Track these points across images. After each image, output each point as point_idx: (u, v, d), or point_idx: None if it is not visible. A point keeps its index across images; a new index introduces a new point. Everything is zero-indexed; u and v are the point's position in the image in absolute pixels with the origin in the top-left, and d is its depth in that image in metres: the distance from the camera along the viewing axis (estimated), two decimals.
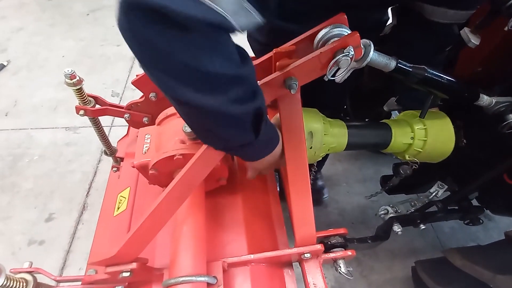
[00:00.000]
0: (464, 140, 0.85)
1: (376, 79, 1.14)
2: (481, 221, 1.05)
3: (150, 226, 0.59)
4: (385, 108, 1.08)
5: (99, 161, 1.72)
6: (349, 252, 0.79)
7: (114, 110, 1.07)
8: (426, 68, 0.67)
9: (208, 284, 0.61)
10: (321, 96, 0.86)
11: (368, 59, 0.57)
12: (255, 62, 0.66)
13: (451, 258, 0.82)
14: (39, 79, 2.24)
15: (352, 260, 1.43)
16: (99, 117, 1.07)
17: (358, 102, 1.29)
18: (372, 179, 1.70)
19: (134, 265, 0.60)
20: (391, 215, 0.95)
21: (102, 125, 1.11)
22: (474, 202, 1.06)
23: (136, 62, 2.41)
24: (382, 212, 0.97)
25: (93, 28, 2.73)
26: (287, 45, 0.61)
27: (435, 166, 1.00)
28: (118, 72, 2.23)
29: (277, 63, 0.57)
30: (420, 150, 0.78)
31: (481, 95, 0.77)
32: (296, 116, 0.62)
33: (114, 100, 1.91)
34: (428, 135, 0.77)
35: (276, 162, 0.68)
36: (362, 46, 0.55)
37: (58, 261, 1.37)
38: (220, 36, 0.38)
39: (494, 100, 0.80)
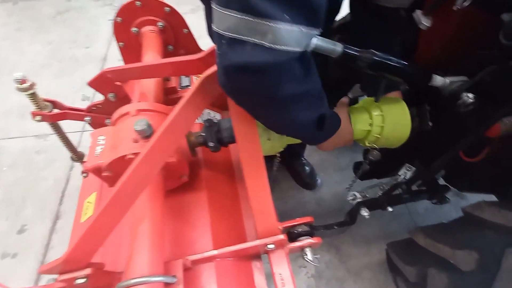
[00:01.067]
0: (430, 123, 0.86)
1: (341, 69, 1.14)
2: (447, 199, 1.08)
3: (100, 228, 0.57)
4: (350, 95, 1.08)
5: (71, 167, 1.67)
6: (314, 240, 0.79)
7: (74, 114, 1.04)
8: (374, 51, 0.67)
9: (167, 284, 0.60)
10: None
11: (312, 45, 0.56)
12: (196, 56, 0.64)
13: (416, 237, 0.83)
14: (7, 85, 2.15)
15: (330, 247, 1.46)
16: (77, 121, 1.03)
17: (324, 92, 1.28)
18: (349, 167, 1.70)
19: (88, 271, 0.59)
20: (359, 200, 0.96)
21: (76, 130, 1.08)
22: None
23: (107, 64, 2.36)
24: (351, 197, 0.99)
25: (61, 31, 2.64)
26: None
27: (403, 149, 1.02)
28: (88, 74, 2.10)
29: None
30: (378, 136, 0.79)
31: (433, 75, 0.78)
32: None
33: (85, 104, 1.85)
34: (385, 121, 0.78)
35: (340, 141, 0.76)
36: None
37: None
38: (288, 66, 0.48)
39: (448, 80, 0.81)
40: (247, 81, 0.49)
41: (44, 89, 1.04)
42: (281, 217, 1.53)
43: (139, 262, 0.59)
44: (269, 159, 0.75)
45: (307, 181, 1.57)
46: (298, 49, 0.47)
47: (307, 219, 0.82)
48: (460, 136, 0.83)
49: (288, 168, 1.66)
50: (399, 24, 0.81)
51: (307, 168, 1.60)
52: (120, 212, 0.58)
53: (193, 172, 0.90)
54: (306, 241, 0.79)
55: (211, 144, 0.75)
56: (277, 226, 0.69)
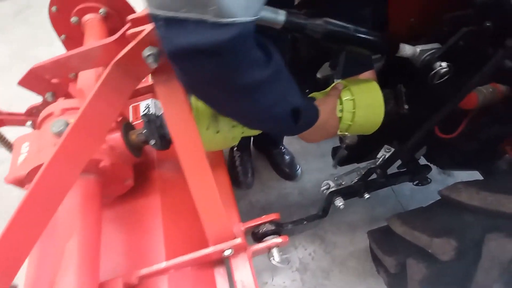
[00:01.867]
0: (406, 106, 0.79)
1: (312, 48, 1.04)
2: (429, 180, 1.02)
3: (10, 249, 0.48)
4: (318, 75, 0.99)
5: None
6: (281, 239, 0.71)
7: (13, 119, 0.93)
8: (327, 19, 0.57)
9: None
10: None
11: None
12: (111, 39, 0.53)
13: (392, 225, 0.77)
14: None
15: (315, 238, 1.40)
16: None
17: (295, 74, 1.19)
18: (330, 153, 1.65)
19: None
20: (333, 189, 0.89)
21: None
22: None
23: None
24: (324, 187, 0.91)
25: (23, 30, 2.47)
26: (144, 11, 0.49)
27: (380, 130, 0.94)
28: None
29: (128, 32, 0.45)
30: (350, 123, 0.71)
31: (401, 45, 0.69)
32: (176, 96, 0.52)
33: None
34: (357, 106, 0.70)
35: (325, 133, 0.70)
36: None
37: None
38: (243, 44, 0.39)
39: (418, 49, 0.72)
40: (199, 67, 0.41)
41: (6, 92, 0.94)
42: (264, 210, 1.48)
43: (64, 286, 0.51)
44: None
45: (287, 171, 1.50)
46: (248, 18, 0.38)
47: (272, 216, 0.75)
48: (434, 110, 0.75)
49: (267, 158, 1.58)
50: None
51: (286, 157, 1.51)
52: (33, 229, 0.49)
53: (145, 174, 0.81)
54: (272, 241, 0.71)
55: (152, 142, 0.66)
56: (230, 228, 0.61)
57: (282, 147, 1.54)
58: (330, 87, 0.73)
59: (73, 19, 1.01)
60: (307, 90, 1.14)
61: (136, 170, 0.79)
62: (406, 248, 0.74)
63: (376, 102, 0.71)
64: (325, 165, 1.60)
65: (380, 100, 0.72)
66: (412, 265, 0.70)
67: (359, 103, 0.70)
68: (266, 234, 0.73)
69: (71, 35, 1.05)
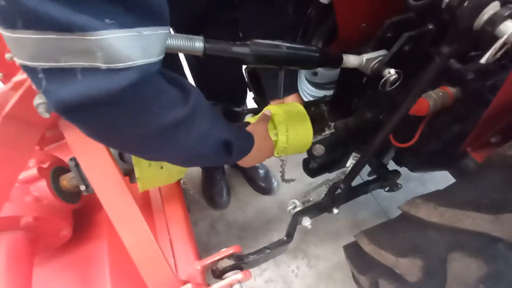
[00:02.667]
0: (331, 124, 0.85)
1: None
2: (399, 185, 0.98)
3: None
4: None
5: None
6: (242, 274, 0.65)
7: None
8: (255, 41, 0.53)
9: None
10: (212, 85, 0.89)
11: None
12: (7, 87, 0.47)
13: (361, 243, 0.72)
14: None
15: (297, 252, 1.35)
16: None
17: (256, 86, 1.15)
18: None
19: None
20: (300, 208, 0.84)
21: None
22: None
23: None
24: (291, 206, 0.86)
25: None
26: None
27: (347, 138, 0.91)
28: None
29: (14, 79, 0.39)
30: (285, 145, 0.73)
31: (344, 56, 0.65)
32: (90, 141, 0.46)
33: None
34: (289, 129, 0.72)
35: (261, 158, 0.69)
36: None
37: None
38: (148, 86, 0.34)
39: (364, 58, 0.69)
40: (98, 120, 0.34)
41: None
42: (243, 229, 1.42)
43: None
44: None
45: (263, 186, 1.44)
46: (148, 59, 0.33)
47: (232, 249, 0.69)
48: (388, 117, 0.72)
49: (242, 173, 1.53)
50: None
51: (261, 171, 1.46)
52: None
53: (90, 217, 0.74)
54: (232, 277, 0.65)
55: (82, 188, 0.59)
56: (172, 275, 0.54)
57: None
58: (260, 113, 0.75)
59: (7, 55, 0.94)
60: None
61: (80, 213, 0.72)
62: (378, 267, 0.69)
63: (305, 124, 0.75)
64: (302, 174, 1.54)
65: (308, 120, 0.76)
66: (384, 286, 0.66)
67: (291, 126, 0.73)
68: (225, 271, 0.67)
69: (8, 72, 0.97)
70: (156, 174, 0.62)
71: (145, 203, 0.83)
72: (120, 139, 0.39)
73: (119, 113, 0.34)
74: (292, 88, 0.82)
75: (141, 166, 0.59)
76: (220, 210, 1.44)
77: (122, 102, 0.33)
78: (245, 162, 0.64)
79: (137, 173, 0.58)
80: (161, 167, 0.62)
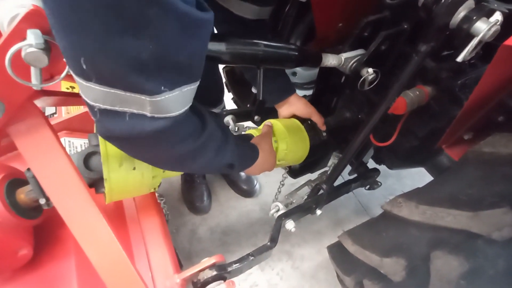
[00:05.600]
0: (324, 134, 0.87)
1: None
2: (379, 183, 1.00)
3: None
4: (253, 90, 0.92)
5: None
6: (224, 286, 0.62)
7: None
8: (230, 39, 0.50)
9: None
10: None
11: None
12: None
13: (345, 244, 0.72)
14: None
15: (281, 254, 1.34)
16: None
17: (235, 87, 1.12)
18: None
19: None
20: (283, 211, 0.82)
21: None
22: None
23: None
24: (273, 210, 0.84)
25: None
26: None
27: (328, 138, 0.91)
28: None
29: None
30: (286, 151, 0.78)
31: (324, 55, 0.64)
32: (45, 147, 0.40)
33: None
34: (288, 136, 0.78)
35: (266, 168, 0.73)
36: None
37: None
38: (179, 126, 0.43)
39: (342, 57, 0.68)
40: (134, 148, 0.45)
41: None
42: (225, 234, 1.38)
43: None
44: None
45: (245, 188, 1.42)
46: (183, 110, 0.42)
47: (214, 259, 0.65)
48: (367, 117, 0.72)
49: (223, 176, 1.49)
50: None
51: (242, 174, 1.43)
52: None
53: (56, 233, 0.67)
54: None
55: (42, 201, 0.53)
56: None
57: None
58: (261, 125, 0.82)
59: None
60: (248, 105, 1.08)
61: (42, 229, 0.65)
62: (362, 267, 0.69)
63: (302, 133, 0.83)
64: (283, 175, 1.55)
65: (303, 130, 0.83)
66: (368, 286, 0.65)
67: (290, 135, 0.79)
68: (207, 283, 0.63)
69: None
70: (127, 177, 0.56)
71: (117, 213, 0.77)
72: (145, 159, 0.50)
73: (146, 145, 0.43)
74: (288, 89, 0.82)
75: (110, 165, 0.54)
76: (201, 215, 1.40)
77: (152, 138, 0.41)
78: (249, 172, 0.69)
79: (105, 174, 0.53)
80: (134, 168, 0.57)
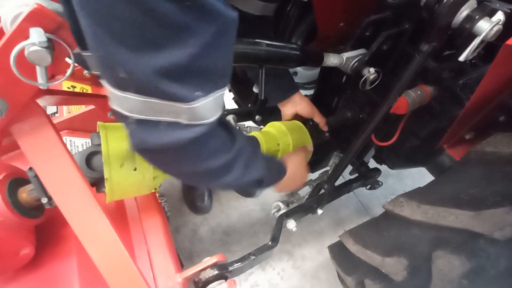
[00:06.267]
0: (327, 134, 0.88)
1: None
2: (380, 183, 1.00)
3: None
4: (254, 89, 0.92)
5: None
6: (226, 285, 0.62)
7: None
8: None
9: None
10: None
11: None
12: None
13: (346, 244, 0.72)
14: None
15: (282, 254, 1.34)
16: None
17: (236, 86, 1.12)
18: None
19: None
20: (284, 210, 0.82)
21: None
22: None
23: None
24: (275, 209, 0.84)
25: None
26: None
27: (328, 139, 0.91)
28: None
29: None
30: (289, 143, 0.79)
31: (325, 55, 0.64)
32: (48, 146, 0.41)
33: None
34: (291, 134, 0.80)
35: (295, 185, 0.75)
36: None
37: None
38: (212, 133, 0.43)
39: (344, 56, 0.68)
40: (167, 160, 0.44)
41: None
42: (226, 234, 1.38)
43: None
44: None
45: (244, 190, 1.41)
46: (217, 115, 0.42)
47: (215, 258, 0.65)
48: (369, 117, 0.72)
49: None
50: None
51: None
52: None
53: (58, 233, 0.67)
54: None
55: (44, 200, 0.53)
56: None
57: None
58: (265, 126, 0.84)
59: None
60: (249, 105, 1.08)
61: (44, 229, 0.65)
62: (363, 266, 0.69)
63: (304, 132, 0.84)
64: None
65: (305, 130, 0.84)
66: (370, 286, 0.65)
67: (293, 133, 0.80)
68: (209, 282, 0.63)
69: None
70: (127, 177, 0.57)
71: (119, 212, 0.77)
72: (177, 173, 0.50)
73: (180, 156, 0.43)
74: (292, 87, 0.81)
75: (112, 165, 0.54)
76: (202, 215, 1.40)
77: (185, 149, 0.41)
78: (279, 188, 0.70)
79: (106, 173, 0.53)
80: (135, 169, 0.57)
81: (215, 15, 0.32)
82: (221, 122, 0.45)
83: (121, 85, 0.34)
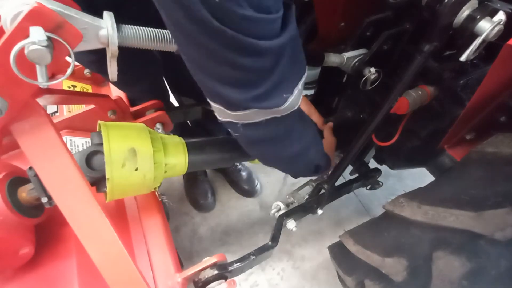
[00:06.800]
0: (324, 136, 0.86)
1: None
2: (380, 183, 0.99)
3: None
4: None
5: None
6: (226, 285, 0.62)
7: None
8: None
9: None
10: (181, 80, 0.98)
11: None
12: None
13: (346, 244, 0.72)
14: None
15: (282, 254, 1.33)
16: None
17: None
18: None
19: None
20: (284, 211, 0.82)
21: None
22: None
23: None
24: (274, 209, 0.84)
25: None
26: None
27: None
28: None
29: None
30: None
31: (326, 54, 0.64)
32: (49, 146, 0.40)
33: None
34: None
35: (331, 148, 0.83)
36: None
37: None
38: (296, 124, 0.57)
39: (345, 56, 0.68)
40: (265, 148, 0.57)
41: None
42: (226, 234, 1.38)
43: None
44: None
45: (246, 188, 1.41)
46: (301, 99, 0.52)
47: (215, 258, 0.65)
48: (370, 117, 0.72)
49: (224, 176, 1.49)
50: None
51: (243, 173, 1.43)
52: None
53: (57, 233, 0.67)
54: None
55: (44, 200, 0.53)
56: None
57: (238, 164, 1.46)
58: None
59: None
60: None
61: (44, 228, 0.65)
62: (363, 267, 0.69)
63: None
64: (285, 174, 1.55)
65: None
66: (370, 286, 0.65)
67: None
68: (208, 282, 0.63)
69: None
70: (128, 177, 0.57)
71: (119, 212, 0.77)
72: (269, 158, 0.63)
73: (271, 145, 0.55)
74: None
75: (113, 165, 0.54)
76: (205, 212, 1.40)
77: (278, 137, 0.54)
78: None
79: (107, 173, 0.54)
80: (136, 169, 0.57)
81: (277, 49, 0.39)
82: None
83: (240, 106, 0.44)
